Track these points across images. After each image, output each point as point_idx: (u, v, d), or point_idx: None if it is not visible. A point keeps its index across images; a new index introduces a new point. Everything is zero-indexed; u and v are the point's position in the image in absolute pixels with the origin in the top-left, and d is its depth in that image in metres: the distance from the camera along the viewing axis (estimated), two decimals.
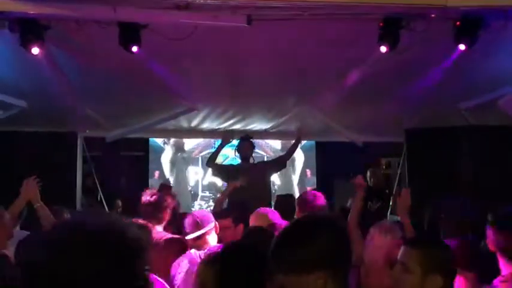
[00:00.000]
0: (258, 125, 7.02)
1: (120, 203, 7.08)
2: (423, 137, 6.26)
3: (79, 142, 6.51)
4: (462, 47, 4.29)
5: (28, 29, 4.00)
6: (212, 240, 3.34)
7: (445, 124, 6.12)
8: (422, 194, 6.03)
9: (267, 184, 6.12)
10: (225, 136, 6.31)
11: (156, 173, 9.86)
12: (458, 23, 4.16)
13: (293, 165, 9.93)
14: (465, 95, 5.65)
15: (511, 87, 5.27)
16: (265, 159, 8.97)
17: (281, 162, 6.39)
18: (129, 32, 4.09)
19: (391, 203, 6.16)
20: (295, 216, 4.46)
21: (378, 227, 2.80)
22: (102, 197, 6.83)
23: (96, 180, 6.89)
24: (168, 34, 4.25)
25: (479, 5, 3.50)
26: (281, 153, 8.71)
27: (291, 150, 6.57)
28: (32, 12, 3.75)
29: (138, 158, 9.61)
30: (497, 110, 5.43)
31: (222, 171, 6.21)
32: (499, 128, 5.78)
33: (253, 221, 3.49)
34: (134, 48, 4.16)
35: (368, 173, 6.23)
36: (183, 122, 6.86)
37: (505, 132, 5.70)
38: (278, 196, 5.38)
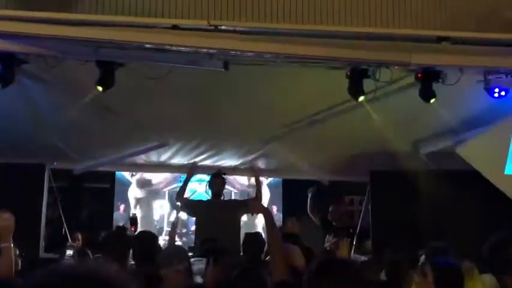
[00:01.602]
0: (228, 161, 7.12)
1: (79, 235, 6.94)
2: (386, 179, 6.53)
3: (46, 174, 6.43)
4: (422, 98, 4.59)
5: (5, 63, 4.03)
6: None
7: (407, 167, 6.40)
8: (384, 234, 6.30)
9: (237, 223, 6.10)
10: (190, 171, 6.32)
11: (122, 207, 9.72)
12: (419, 74, 4.47)
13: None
14: (425, 141, 5.96)
15: (468, 133, 5.60)
16: (233, 195, 9.02)
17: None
18: (106, 71, 4.17)
19: (354, 242, 6.32)
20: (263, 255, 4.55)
21: None
22: (66, 229, 6.72)
23: (61, 213, 6.78)
24: (144, 73, 4.38)
25: (439, 64, 3.79)
26: (248, 189, 8.81)
27: (258, 191, 6.50)
28: (14, 50, 3.80)
29: (104, 191, 9.47)
30: (456, 155, 5.73)
31: (191, 206, 6.19)
32: (457, 172, 6.08)
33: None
34: (109, 87, 4.23)
35: (330, 209, 6.40)
36: (153, 156, 6.89)
37: (462, 176, 6.01)
38: (247, 234, 5.42)
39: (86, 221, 8.57)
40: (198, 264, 3.78)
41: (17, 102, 4.83)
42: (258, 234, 5.26)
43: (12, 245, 3.26)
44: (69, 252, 5.29)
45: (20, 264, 4.20)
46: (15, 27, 3.36)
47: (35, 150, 5.94)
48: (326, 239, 6.09)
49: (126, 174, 9.73)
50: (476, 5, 3.82)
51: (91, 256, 4.51)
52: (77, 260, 4.54)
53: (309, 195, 6.61)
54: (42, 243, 6.37)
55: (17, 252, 4.18)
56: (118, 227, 5.98)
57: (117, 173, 9.42)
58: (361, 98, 4.51)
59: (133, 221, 6.26)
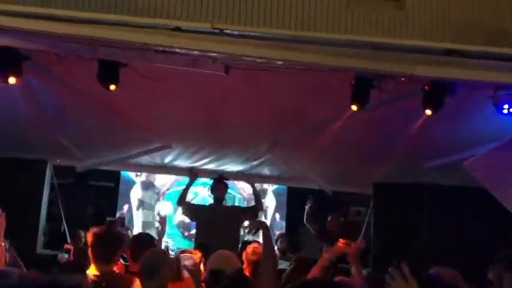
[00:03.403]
0: (231, 166, 7.07)
1: (82, 233, 6.93)
2: (390, 192, 6.42)
3: (48, 170, 6.43)
4: (428, 111, 4.48)
5: (7, 58, 4.03)
6: None
7: (412, 181, 6.30)
8: (386, 247, 6.19)
9: (237, 230, 6.06)
10: (191, 174, 6.27)
11: (125, 207, 9.71)
12: (426, 87, 4.36)
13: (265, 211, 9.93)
14: (431, 154, 5.84)
15: (475, 149, 5.48)
16: (236, 200, 8.96)
17: (254, 213, 6.23)
18: (108, 70, 4.15)
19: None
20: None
21: None
22: (65, 227, 6.71)
23: (61, 210, 6.78)
24: (147, 74, 4.35)
25: (443, 77, 3.69)
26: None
27: (257, 201, 6.36)
28: (13, 46, 3.80)
29: (108, 189, 9.46)
30: (462, 170, 5.61)
31: (192, 210, 6.16)
32: (463, 188, 5.95)
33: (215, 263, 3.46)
34: (112, 87, 4.21)
35: (329, 219, 6.37)
36: (156, 158, 6.87)
37: (467, 192, 5.88)
38: (244, 242, 5.37)
39: (91, 219, 8.55)
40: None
41: (20, 98, 4.83)
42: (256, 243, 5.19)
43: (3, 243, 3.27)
44: (65, 255, 5.29)
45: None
46: (18, 23, 3.34)
47: (37, 145, 5.94)
48: (324, 249, 6.00)
49: (132, 175, 9.72)
50: (486, 18, 3.72)
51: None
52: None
53: (307, 206, 6.59)
54: (41, 239, 6.36)
55: (7, 246, 4.18)
56: (109, 222, 5.93)
57: (122, 172, 9.42)
58: (363, 107, 4.43)
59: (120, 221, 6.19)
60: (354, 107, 4.38)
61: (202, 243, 5.11)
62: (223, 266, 3.21)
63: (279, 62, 3.83)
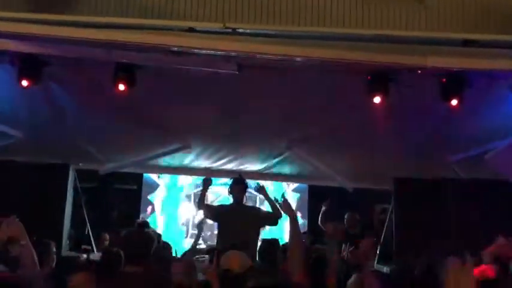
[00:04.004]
0: (250, 165, 7.08)
1: (107, 236, 7.04)
2: (411, 187, 6.34)
3: (71, 174, 6.56)
4: (449, 102, 4.41)
5: (27, 64, 4.13)
6: None
7: (434, 175, 6.20)
8: (407, 243, 6.11)
9: (256, 232, 5.90)
10: (205, 181, 6.09)
11: (149, 209, 9.82)
12: (444, 79, 4.29)
13: None
14: (452, 148, 5.74)
15: (497, 142, 5.37)
16: (258, 201, 8.93)
17: (274, 221, 5.85)
18: (125, 73, 4.22)
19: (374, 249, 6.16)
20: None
21: None
22: (89, 230, 6.83)
23: (85, 213, 6.90)
24: (163, 75, 4.40)
25: (457, 67, 3.63)
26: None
27: (275, 209, 6.15)
28: (32, 52, 3.89)
29: (131, 192, 9.58)
30: (485, 164, 5.51)
31: (212, 212, 6.09)
32: (487, 182, 5.84)
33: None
34: (129, 89, 4.27)
35: (345, 217, 6.33)
36: (176, 160, 6.93)
37: (492, 186, 5.77)
38: (264, 240, 5.34)
39: (115, 222, 8.67)
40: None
41: (41, 103, 4.94)
42: (275, 241, 5.17)
43: (30, 243, 3.45)
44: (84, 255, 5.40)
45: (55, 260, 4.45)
46: (32, 29, 3.43)
47: (60, 150, 6.07)
48: (342, 248, 5.97)
49: (154, 176, 9.83)
50: (501, 6, 3.65)
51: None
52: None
53: (323, 208, 6.51)
54: (66, 242, 6.49)
55: (54, 249, 4.38)
56: (138, 224, 6.01)
57: (144, 174, 9.53)
58: (381, 101, 4.38)
59: (141, 225, 6.23)
60: (378, 99, 4.32)
61: (211, 248, 5.09)
62: (232, 265, 3.19)
63: (298, 59, 3.80)
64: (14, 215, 3.43)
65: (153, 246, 3.67)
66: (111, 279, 3.35)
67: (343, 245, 5.93)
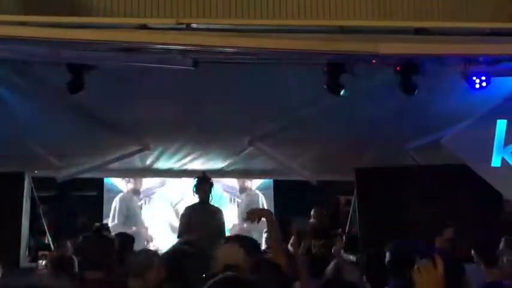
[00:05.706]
0: (213, 163, 7.01)
1: (69, 244, 6.82)
2: (373, 176, 6.41)
3: (26, 182, 6.31)
4: (404, 89, 4.48)
5: None
6: None
7: (395, 164, 6.31)
8: (372, 233, 6.19)
9: (222, 231, 5.75)
10: None
11: (111, 214, 9.58)
12: (398, 68, 4.37)
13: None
14: (410, 136, 5.86)
15: (453, 127, 5.51)
16: (221, 200, 8.82)
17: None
18: (76, 74, 4.07)
19: (343, 242, 6.19)
20: None
21: None
22: (50, 239, 6.60)
23: (44, 222, 6.67)
24: (116, 74, 4.29)
25: (409, 53, 3.70)
26: (238, 194, 8.56)
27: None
28: None
29: (92, 198, 9.35)
30: (443, 149, 5.63)
31: (185, 226, 5.75)
32: (445, 167, 5.98)
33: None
34: (80, 92, 4.14)
35: (312, 212, 6.23)
36: (137, 161, 6.79)
37: (450, 171, 5.90)
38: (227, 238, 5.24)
39: (80, 229, 8.43)
40: None
41: None
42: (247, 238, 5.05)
43: None
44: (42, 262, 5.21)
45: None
46: None
47: (12, 157, 5.81)
48: (312, 244, 5.93)
49: (118, 182, 9.58)
50: None
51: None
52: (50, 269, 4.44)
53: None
54: (24, 253, 6.25)
55: None
56: (96, 228, 5.81)
57: (105, 180, 9.29)
58: (342, 93, 4.41)
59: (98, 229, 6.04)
60: (333, 91, 4.35)
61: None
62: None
63: (253, 51, 3.76)
64: None
65: (112, 250, 3.56)
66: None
67: (312, 240, 5.88)
